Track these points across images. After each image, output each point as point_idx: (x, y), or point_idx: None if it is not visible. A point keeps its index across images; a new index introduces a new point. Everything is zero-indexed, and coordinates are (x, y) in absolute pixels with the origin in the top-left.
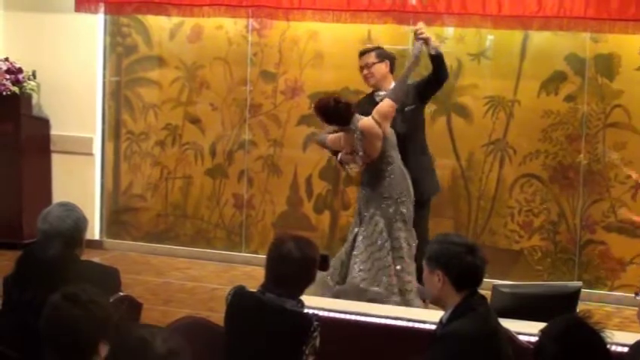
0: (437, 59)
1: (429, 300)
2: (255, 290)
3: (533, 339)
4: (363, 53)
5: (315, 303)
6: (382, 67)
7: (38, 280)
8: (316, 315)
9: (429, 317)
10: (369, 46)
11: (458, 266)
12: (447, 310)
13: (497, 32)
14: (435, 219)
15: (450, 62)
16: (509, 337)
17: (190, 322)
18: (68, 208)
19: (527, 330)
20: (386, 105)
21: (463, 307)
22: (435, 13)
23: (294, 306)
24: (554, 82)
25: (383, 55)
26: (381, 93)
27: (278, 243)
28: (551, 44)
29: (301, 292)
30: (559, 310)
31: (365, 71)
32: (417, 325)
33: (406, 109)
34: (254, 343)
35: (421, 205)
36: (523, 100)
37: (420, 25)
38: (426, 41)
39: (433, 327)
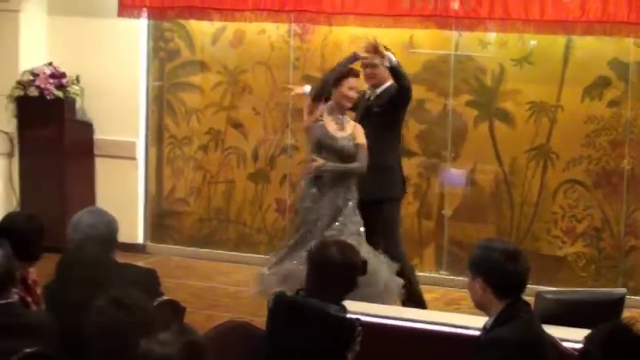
0: (391, 71)
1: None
2: (296, 295)
3: (578, 346)
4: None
5: (357, 308)
6: (385, 70)
7: (78, 284)
8: (359, 320)
9: (472, 323)
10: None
11: (499, 275)
12: (490, 316)
13: (540, 37)
14: (476, 224)
15: (492, 67)
16: (554, 344)
17: (233, 326)
18: (97, 213)
19: (571, 337)
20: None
21: (506, 313)
22: (477, 18)
23: (338, 311)
24: (597, 87)
25: None
26: (378, 90)
27: (320, 248)
28: (594, 49)
29: (343, 297)
30: (603, 316)
31: (368, 70)
32: (460, 330)
33: (374, 109)
34: (296, 348)
35: (372, 204)
36: (566, 106)
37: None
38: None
39: (477, 333)
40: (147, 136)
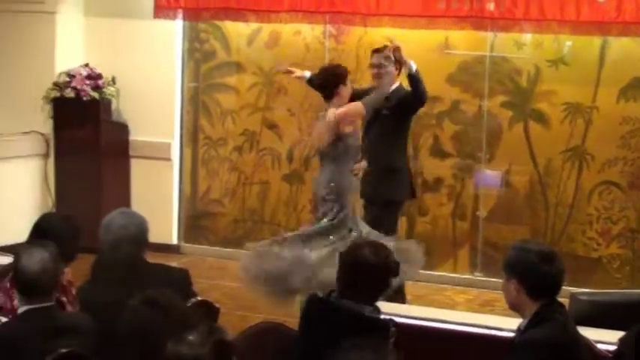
0: (410, 79)
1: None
2: (328, 296)
3: (612, 348)
4: (378, 51)
5: (390, 309)
6: (393, 70)
7: (113, 284)
8: (393, 321)
9: (507, 325)
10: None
11: (534, 277)
12: (525, 317)
13: (575, 38)
14: (511, 226)
15: (527, 68)
16: (588, 346)
17: (266, 327)
18: (129, 214)
19: (605, 338)
20: (354, 107)
21: (541, 315)
22: (512, 19)
23: (372, 312)
24: (633, 88)
25: (397, 60)
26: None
27: (353, 249)
28: (630, 50)
29: (377, 299)
30: (638, 318)
31: (375, 70)
32: (494, 332)
33: (383, 112)
34: (330, 350)
35: (377, 206)
36: (602, 107)
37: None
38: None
39: (511, 334)
40: (182, 137)
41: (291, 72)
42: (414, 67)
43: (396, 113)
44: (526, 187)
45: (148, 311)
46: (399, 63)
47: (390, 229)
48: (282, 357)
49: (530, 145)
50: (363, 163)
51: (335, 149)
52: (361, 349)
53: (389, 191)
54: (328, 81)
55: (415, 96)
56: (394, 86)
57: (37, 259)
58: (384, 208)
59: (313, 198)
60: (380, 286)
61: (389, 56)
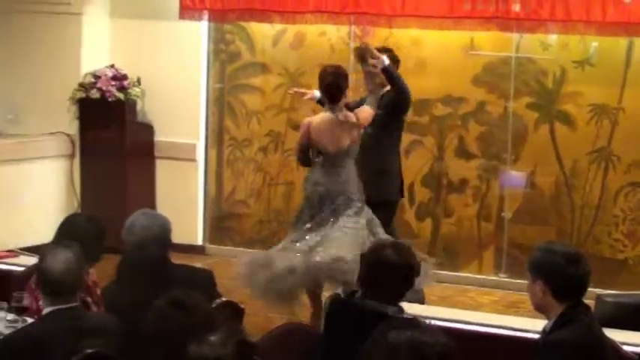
0: (384, 74)
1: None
2: (352, 297)
3: (638, 350)
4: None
5: (413, 310)
6: (379, 71)
7: (138, 285)
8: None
9: (532, 326)
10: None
11: (559, 278)
12: (550, 319)
13: (601, 39)
14: (537, 227)
15: (553, 69)
16: (614, 347)
17: (290, 328)
18: (151, 215)
19: (631, 340)
20: (369, 110)
21: (566, 316)
22: (538, 20)
23: (395, 312)
24: None
25: (392, 59)
26: (380, 93)
27: (376, 249)
28: None
29: (400, 298)
30: None
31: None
32: (519, 334)
33: (377, 112)
34: (354, 349)
35: (374, 206)
36: (628, 108)
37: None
38: (363, 59)
39: (536, 336)
40: (207, 138)
41: (303, 94)
42: (386, 62)
43: (389, 113)
44: (552, 189)
45: (173, 312)
46: (394, 62)
47: (387, 229)
48: (306, 357)
49: (556, 146)
50: None
51: (355, 150)
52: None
53: (384, 191)
54: (341, 83)
55: (396, 92)
56: (386, 88)
57: (62, 259)
58: (382, 208)
59: (329, 196)
60: (403, 286)
61: (363, 58)
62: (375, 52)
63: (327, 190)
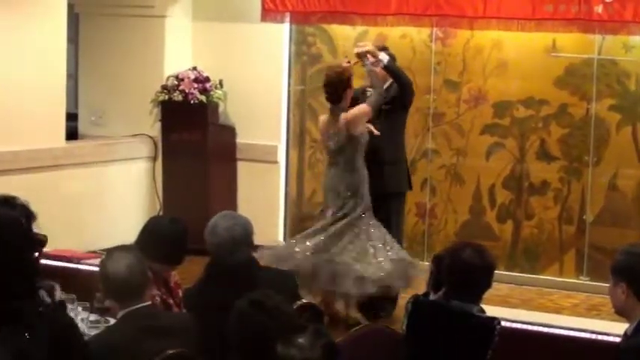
0: (387, 70)
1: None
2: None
3: None
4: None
5: (496, 313)
6: (378, 68)
7: (223, 286)
8: (497, 319)
9: (613, 329)
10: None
11: None
12: (631, 322)
13: None
14: (619, 229)
15: (636, 71)
16: None
17: (371, 330)
18: (232, 216)
19: None
20: (363, 109)
21: None
22: (621, 22)
23: (479, 311)
24: None
25: (390, 56)
26: (384, 87)
27: (457, 251)
28: None
29: (481, 299)
30: None
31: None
32: (601, 337)
33: (383, 108)
34: (439, 350)
35: (380, 199)
36: None
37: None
38: (361, 58)
39: (618, 339)
40: (288, 140)
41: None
42: (386, 59)
43: (395, 107)
44: (634, 191)
45: (254, 313)
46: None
47: (398, 219)
48: (387, 359)
49: (638, 148)
50: None
51: (349, 149)
52: None
53: (399, 183)
54: (337, 87)
55: (400, 87)
56: (388, 82)
57: (123, 263)
58: (395, 198)
59: (328, 194)
60: (484, 286)
61: (364, 56)
62: (376, 51)
63: (324, 187)
